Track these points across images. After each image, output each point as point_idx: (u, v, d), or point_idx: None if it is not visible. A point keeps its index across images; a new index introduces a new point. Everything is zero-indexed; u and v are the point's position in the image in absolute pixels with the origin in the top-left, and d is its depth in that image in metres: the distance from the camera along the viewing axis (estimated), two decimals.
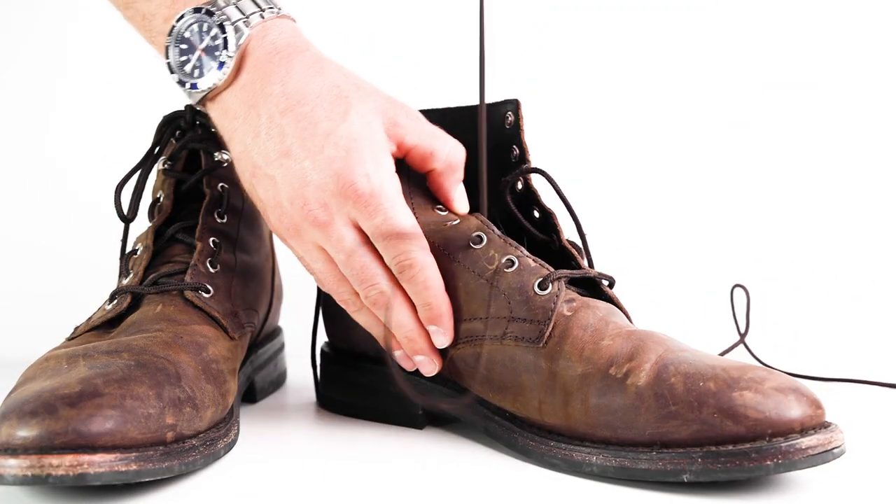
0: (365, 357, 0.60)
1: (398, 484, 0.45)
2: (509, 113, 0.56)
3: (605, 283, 0.53)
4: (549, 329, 0.49)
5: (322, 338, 0.64)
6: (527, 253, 0.52)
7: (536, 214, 0.57)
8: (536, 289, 0.50)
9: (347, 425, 0.58)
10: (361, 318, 0.53)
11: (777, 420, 0.41)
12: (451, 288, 0.52)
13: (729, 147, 0.90)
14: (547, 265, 0.51)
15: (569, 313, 0.50)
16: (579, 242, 0.56)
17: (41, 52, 0.85)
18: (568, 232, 0.56)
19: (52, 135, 0.85)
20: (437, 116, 0.59)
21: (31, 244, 0.85)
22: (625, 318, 0.51)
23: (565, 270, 0.52)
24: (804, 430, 0.42)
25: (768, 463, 0.41)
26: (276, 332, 0.71)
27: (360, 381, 0.60)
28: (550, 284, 0.50)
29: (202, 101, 0.52)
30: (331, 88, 0.49)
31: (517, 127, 0.56)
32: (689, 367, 0.44)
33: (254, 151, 0.50)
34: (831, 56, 0.87)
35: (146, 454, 0.42)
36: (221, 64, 0.50)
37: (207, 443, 0.47)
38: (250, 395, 0.64)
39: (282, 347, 0.72)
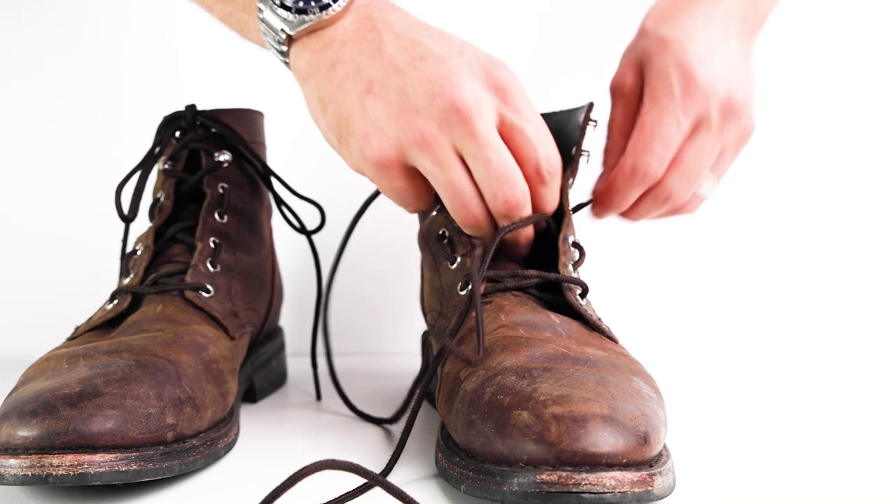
0: None
1: (397, 484, 0.45)
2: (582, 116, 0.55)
3: (578, 289, 0.50)
4: (451, 327, 0.48)
5: (322, 338, 0.64)
6: (473, 251, 0.51)
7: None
8: (458, 287, 0.50)
9: (347, 425, 0.58)
10: (472, 225, 0.50)
11: (533, 447, 0.37)
12: (423, 281, 0.54)
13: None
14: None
15: (473, 314, 0.48)
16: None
17: (41, 52, 0.85)
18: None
19: (52, 135, 0.85)
20: None
21: (32, 244, 0.85)
22: (556, 326, 0.47)
23: (492, 272, 0.49)
24: (559, 464, 0.37)
25: (504, 489, 0.38)
26: (276, 332, 0.71)
27: None
28: (470, 283, 0.49)
29: (299, 35, 0.49)
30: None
31: (580, 129, 0.54)
32: (516, 378, 0.41)
33: (371, 67, 0.48)
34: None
35: (146, 454, 0.42)
36: None
37: (207, 443, 0.47)
38: (250, 395, 0.64)
39: (282, 347, 0.72)
